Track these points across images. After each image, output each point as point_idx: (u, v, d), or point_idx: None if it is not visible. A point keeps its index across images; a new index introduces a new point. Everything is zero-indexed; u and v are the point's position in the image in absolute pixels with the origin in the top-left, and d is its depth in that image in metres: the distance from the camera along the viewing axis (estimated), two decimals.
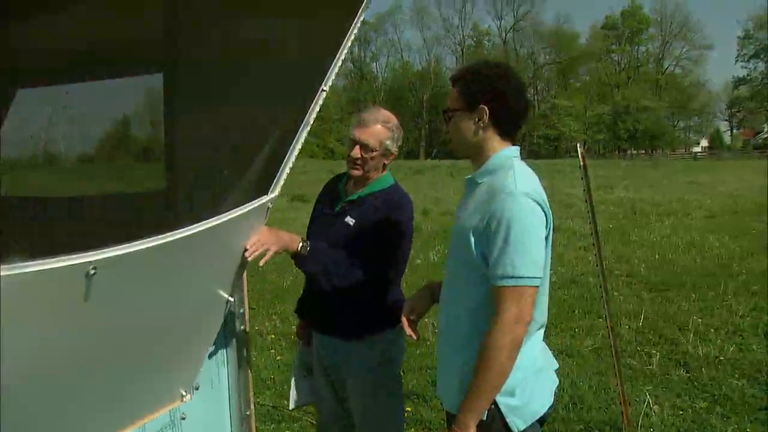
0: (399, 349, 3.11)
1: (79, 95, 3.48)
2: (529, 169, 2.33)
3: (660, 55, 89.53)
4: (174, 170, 3.27)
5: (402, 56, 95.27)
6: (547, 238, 2.25)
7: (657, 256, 11.06)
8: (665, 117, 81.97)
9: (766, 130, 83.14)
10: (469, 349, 2.22)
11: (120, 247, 1.71)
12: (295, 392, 3.33)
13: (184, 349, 2.43)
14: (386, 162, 3.04)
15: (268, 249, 2.50)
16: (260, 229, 2.47)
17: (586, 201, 4.36)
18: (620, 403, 4.57)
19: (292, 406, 3.42)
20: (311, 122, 2.40)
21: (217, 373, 2.72)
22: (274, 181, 2.34)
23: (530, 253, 2.14)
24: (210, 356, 2.63)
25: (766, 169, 29.42)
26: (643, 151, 79.19)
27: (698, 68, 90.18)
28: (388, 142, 2.97)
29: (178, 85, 3.20)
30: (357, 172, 3.00)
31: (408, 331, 2.58)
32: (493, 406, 2.20)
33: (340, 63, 2.46)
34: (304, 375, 3.30)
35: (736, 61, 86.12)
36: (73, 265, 1.59)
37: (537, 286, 2.17)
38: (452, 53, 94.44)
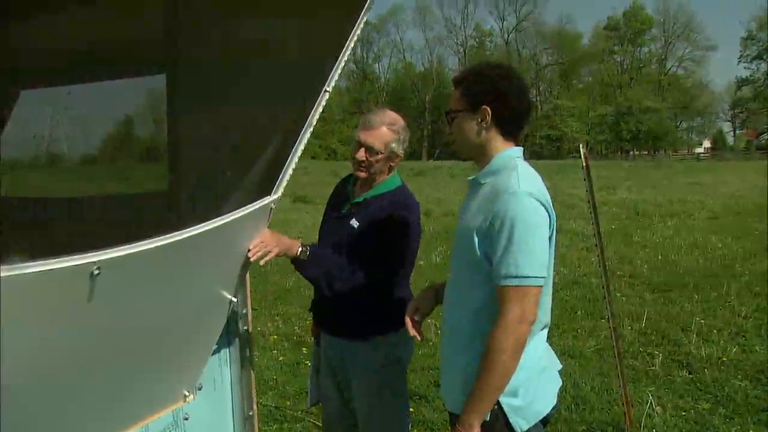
0: (406, 351, 3.10)
1: (81, 96, 3.49)
2: (533, 169, 2.34)
3: (663, 56, 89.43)
4: (177, 171, 3.28)
5: (404, 57, 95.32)
6: (550, 238, 2.25)
7: (659, 257, 11.05)
8: (668, 118, 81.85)
9: None
10: (473, 349, 2.22)
11: (124, 247, 1.72)
12: (310, 391, 3.36)
13: (187, 350, 2.43)
14: (392, 164, 3.03)
15: (269, 251, 2.51)
16: (263, 231, 2.48)
17: (588, 202, 4.36)
18: (623, 403, 4.57)
19: (308, 405, 3.48)
20: (314, 123, 2.40)
21: (220, 374, 2.72)
22: (277, 182, 2.34)
23: (534, 252, 2.14)
24: (213, 356, 2.63)
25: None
26: (646, 152, 79.10)
27: (701, 69, 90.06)
28: (393, 145, 2.95)
29: (180, 86, 3.20)
30: (362, 174, 2.99)
31: (412, 332, 2.58)
32: (496, 407, 2.20)
33: (342, 64, 2.46)
34: (315, 374, 3.31)
35: (739, 61, 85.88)
36: (77, 265, 1.59)
37: (540, 286, 2.17)
38: (454, 54, 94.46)
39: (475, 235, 2.23)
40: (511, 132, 2.36)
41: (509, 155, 2.34)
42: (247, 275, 2.63)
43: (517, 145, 2.39)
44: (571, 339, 6.61)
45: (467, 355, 2.26)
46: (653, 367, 5.78)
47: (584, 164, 4.28)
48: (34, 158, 3.76)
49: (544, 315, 2.33)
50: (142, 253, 1.77)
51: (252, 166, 2.73)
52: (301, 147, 2.38)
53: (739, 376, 5.54)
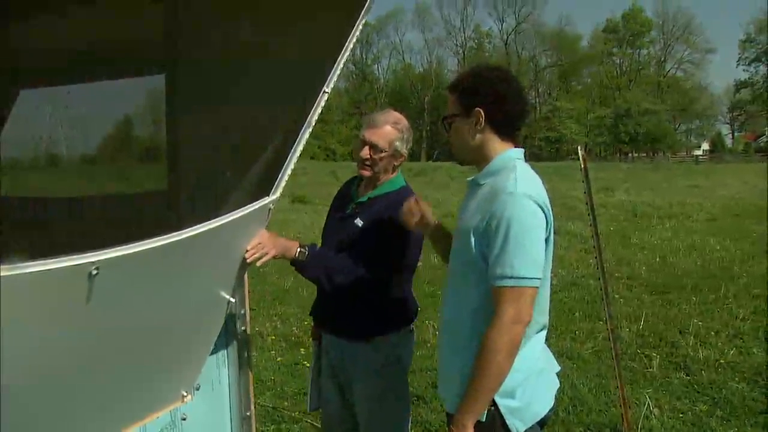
0: (407, 351, 3.10)
1: (80, 96, 3.49)
2: (532, 171, 2.34)
3: (662, 58, 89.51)
4: (176, 171, 3.28)
5: (403, 58, 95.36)
6: (547, 240, 2.26)
7: (658, 259, 11.06)
8: (666, 120, 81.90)
9: (767, 133, 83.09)
10: (470, 349, 2.22)
11: (122, 247, 1.72)
12: (309, 396, 3.35)
13: (185, 350, 2.43)
14: (396, 164, 3.04)
15: (266, 253, 2.51)
16: (261, 233, 2.48)
17: (587, 203, 4.36)
18: (620, 405, 4.57)
19: (309, 409, 3.47)
20: (313, 124, 2.40)
21: (218, 374, 2.72)
22: (276, 182, 2.35)
23: (530, 253, 2.14)
24: (211, 357, 2.63)
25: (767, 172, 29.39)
26: (644, 154, 79.13)
27: (700, 71, 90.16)
28: (397, 143, 2.97)
29: (180, 86, 3.20)
30: (366, 173, 3.01)
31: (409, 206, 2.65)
32: (492, 408, 2.20)
33: (341, 65, 2.46)
34: (316, 378, 3.30)
35: (738, 64, 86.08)
36: (75, 265, 1.59)
37: (536, 287, 2.17)
38: (454, 55, 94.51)
39: (472, 235, 2.23)
40: (507, 132, 2.37)
41: (509, 156, 2.35)
42: (246, 276, 2.63)
43: (516, 146, 2.40)
44: (569, 341, 6.61)
45: (464, 355, 2.26)
46: (651, 369, 5.78)
47: (582, 166, 4.28)
48: (33, 158, 3.76)
49: (543, 317, 2.34)
50: (141, 254, 1.77)
51: (251, 167, 2.73)
52: (300, 147, 2.39)
53: (737, 379, 5.55)
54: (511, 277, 2.12)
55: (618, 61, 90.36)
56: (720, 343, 6.48)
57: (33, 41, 3.27)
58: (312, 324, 3.37)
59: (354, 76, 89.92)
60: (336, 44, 2.46)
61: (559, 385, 2.47)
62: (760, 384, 5.40)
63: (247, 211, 2.26)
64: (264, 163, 2.67)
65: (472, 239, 2.23)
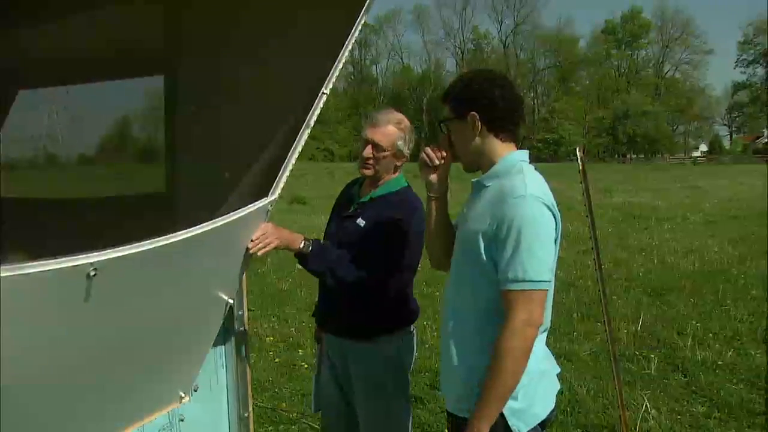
0: (407, 353, 3.11)
1: (79, 97, 3.49)
2: (538, 173, 2.34)
3: (660, 60, 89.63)
4: (175, 172, 3.28)
5: (402, 60, 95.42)
6: (556, 241, 2.26)
7: (656, 261, 11.06)
8: (665, 121, 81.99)
9: (765, 134, 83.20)
10: (475, 351, 2.23)
11: (120, 248, 1.72)
12: (313, 396, 3.35)
13: (183, 351, 2.43)
14: (398, 164, 3.05)
15: (269, 242, 2.52)
16: (264, 224, 2.49)
17: (585, 205, 4.36)
18: (618, 407, 4.56)
19: (313, 410, 3.47)
20: (311, 125, 2.40)
21: (216, 375, 2.72)
22: (274, 183, 2.35)
23: (541, 256, 2.14)
24: (209, 358, 2.63)
25: (766, 174, 29.41)
26: (643, 156, 79.22)
27: (698, 73, 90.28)
28: (399, 143, 2.99)
29: (179, 87, 3.20)
30: (368, 172, 3.02)
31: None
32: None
33: (340, 66, 2.46)
34: (319, 379, 3.30)
35: (736, 65, 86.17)
36: (73, 266, 1.59)
37: (547, 290, 2.18)
38: (452, 56, 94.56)
39: (480, 238, 2.23)
40: (505, 133, 2.37)
41: (516, 158, 2.35)
42: (244, 276, 2.63)
43: (518, 147, 2.41)
44: (567, 342, 6.61)
45: (469, 356, 2.26)
46: (649, 371, 5.78)
47: (581, 167, 4.28)
48: (32, 159, 3.75)
49: (546, 318, 2.34)
50: (139, 255, 1.77)
51: (250, 168, 2.73)
52: (299, 149, 2.39)
53: (735, 380, 5.55)
54: (522, 281, 2.12)
55: (616, 63, 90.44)
56: (718, 345, 6.48)
57: (32, 41, 3.27)
58: (315, 326, 3.36)
59: (353, 77, 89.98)
60: (335, 45, 2.46)
61: (559, 387, 2.47)
62: (758, 386, 5.40)
63: (246, 212, 2.26)
64: (263, 164, 2.67)
65: (481, 243, 2.22)
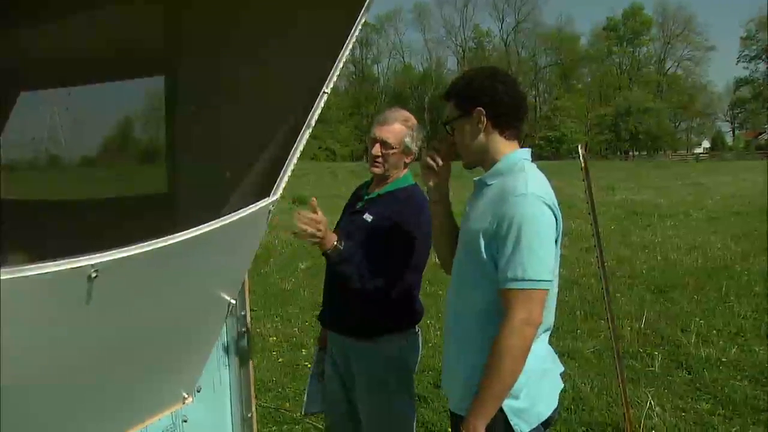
0: (412, 353, 3.10)
1: (80, 98, 3.48)
2: (540, 172, 2.34)
3: (662, 56, 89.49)
4: (176, 173, 3.27)
5: (403, 58, 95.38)
6: (556, 240, 2.25)
7: (659, 258, 11.05)
8: (667, 118, 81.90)
9: None
10: (476, 350, 2.22)
11: (121, 250, 1.71)
12: (306, 399, 3.35)
13: (186, 352, 2.42)
14: (406, 161, 3.08)
15: (316, 237, 2.69)
16: (321, 215, 2.73)
17: (587, 202, 4.35)
18: (622, 404, 4.56)
19: (303, 411, 3.46)
20: (313, 124, 2.39)
21: (219, 376, 2.71)
22: (276, 183, 2.34)
23: (541, 255, 2.14)
24: (211, 358, 2.62)
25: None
26: (645, 153, 79.13)
27: (700, 69, 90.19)
28: (407, 140, 3.02)
29: (179, 88, 3.19)
30: (377, 170, 3.04)
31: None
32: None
33: (341, 65, 2.45)
34: (319, 380, 3.30)
35: (738, 61, 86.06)
36: (74, 268, 1.59)
37: (547, 289, 2.17)
38: (453, 54, 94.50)
39: (481, 237, 2.22)
40: (510, 130, 2.36)
41: (518, 156, 2.35)
42: (246, 277, 2.62)
43: (520, 145, 2.40)
44: (571, 340, 6.60)
45: (471, 355, 2.26)
46: (652, 368, 5.78)
47: (583, 165, 4.27)
48: (33, 160, 3.75)
49: (549, 318, 2.33)
50: (140, 256, 1.76)
51: (251, 168, 2.72)
52: (300, 148, 2.38)
53: (739, 377, 5.54)
54: (522, 280, 2.12)
55: (618, 60, 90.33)
56: (722, 342, 6.47)
57: (32, 42, 3.27)
58: (320, 329, 3.36)
59: (354, 76, 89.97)
60: (335, 44, 2.45)
61: (563, 386, 2.46)
62: (763, 382, 5.39)
63: (247, 212, 2.25)
64: (264, 164, 2.66)
65: (482, 240, 2.22)
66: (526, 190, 2.18)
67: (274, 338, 6.92)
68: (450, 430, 2.50)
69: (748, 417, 4.75)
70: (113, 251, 1.68)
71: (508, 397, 2.19)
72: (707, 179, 30.83)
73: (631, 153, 79.00)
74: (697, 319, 7.21)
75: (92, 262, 1.62)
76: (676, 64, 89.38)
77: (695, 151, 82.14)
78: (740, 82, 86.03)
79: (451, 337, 2.43)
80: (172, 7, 3.06)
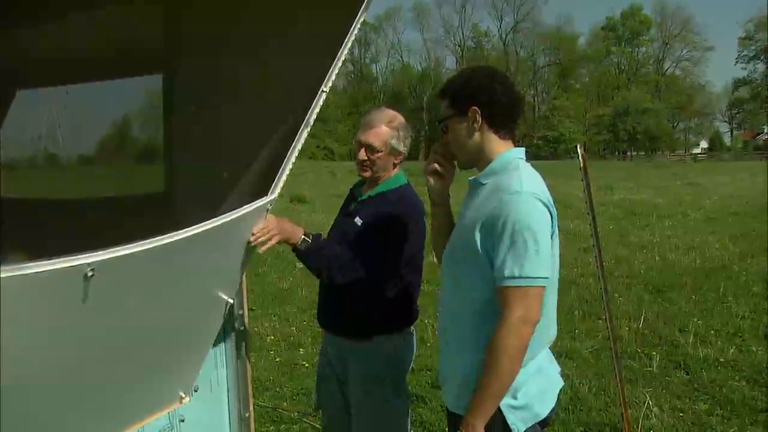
0: (409, 350, 3.10)
1: (78, 97, 3.47)
2: (534, 170, 2.33)
3: (660, 56, 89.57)
4: (173, 172, 3.27)
5: (401, 58, 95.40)
6: (552, 237, 2.24)
7: (657, 258, 11.05)
8: (665, 118, 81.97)
9: (766, 131, 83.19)
10: (473, 349, 2.21)
11: (118, 248, 1.71)
12: (315, 393, 3.35)
13: (184, 351, 2.42)
14: (396, 162, 3.03)
15: (271, 238, 2.51)
16: (267, 217, 2.47)
17: (586, 202, 4.35)
18: (620, 405, 4.56)
19: (314, 407, 3.48)
20: (311, 123, 2.39)
21: (216, 375, 2.71)
22: (274, 182, 2.34)
23: (537, 252, 2.13)
24: (209, 358, 2.62)
25: (767, 171, 29.41)
26: (643, 153, 79.21)
27: (698, 69, 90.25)
28: (393, 142, 2.96)
29: (177, 86, 3.19)
30: (365, 174, 3.02)
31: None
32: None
33: (340, 64, 2.45)
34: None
35: (737, 62, 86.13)
36: (71, 266, 1.58)
37: (543, 287, 2.16)
38: (452, 54, 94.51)
39: (476, 235, 2.22)
40: (505, 129, 2.36)
41: (512, 155, 2.34)
42: (244, 276, 2.62)
43: (515, 144, 2.39)
44: (569, 340, 6.60)
45: (468, 355, 2.25)
46: (650, 368, 5.77)
47: (582, 165, 4.27)
48: (30, 158, 3.74)
49: (552, 329, 2.35)
50: (137, 255, 1.76)
51: (249, 167, 2.72)
52: (299, 147, 2.37)
53: (737, 377, 5.54)
54: (518, 277, 2.11)
55: (616, 60, 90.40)
56: (720, 342, 6.47)
57: (31, 41, 3.26)
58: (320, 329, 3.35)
59: (352, 75, 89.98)
60: (334, 43, 2.44)
61: (562, 385, 2.46)
62: (761, 382, 5.39)
63: (245, 211, 2.25)
64: (262, 162, 2.66)
65: (477, 240, 2.21)
66: (521, 188, 2.17)
67: (272, 337, 6.91)
68: (448, 429, 2.49)
69: (746, 417, 4.75)
70: (110, 250, 1.68)
71: (506, 395, 2.19)
72: (705, 179, 30.84)
73: (629, 153, 79.05)
74: (695, 320, 7.21)
75: (89, 260, 1.62)
76: (674, 64, 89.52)
77: (693, 152, 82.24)
78: (738, 83, 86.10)
79: (446, 337, 2.42)
80: (172, 7, 3.06)
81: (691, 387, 5.38)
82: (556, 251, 2.31)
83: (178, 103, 3.20)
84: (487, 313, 2.20)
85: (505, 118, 2.36)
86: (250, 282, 3.20)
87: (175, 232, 1.89)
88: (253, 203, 2.28)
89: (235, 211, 2.20)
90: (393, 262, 2.93)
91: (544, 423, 2.33)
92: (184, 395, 2.48)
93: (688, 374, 5.67)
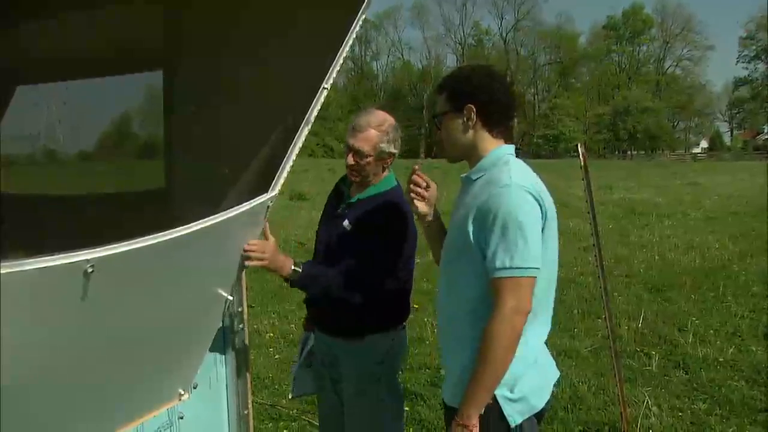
0: (399, 350, 3.09)
1: (78, 94, 3.47)
2: (525, 165, 2.36)
3: (661, 56, 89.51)
4: (174, 168, 3.27)
5: (402, 55, 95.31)
6: (544, 229, 2.25)
7: (657, 257, 11.05)
8: (665, 118, 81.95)
9: (766, 131, 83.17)
10: (470, 343, 2.23)
11: (118, 245, 1.70)
12: (294, 382, 3.33)
13: (183, 348, 2.42)
14: (385, 165, 2.99)
15: (261, 260, 2.53)
16: (269, 241, 2.55)
17: (586, 201, 4.35)
18: (619, 404, 4.56)
19: (291, 396, 3.49)
20: (312, 120, 2.39)
21: (216, 372, 2.71)
22: (275, 179, 2.33)
23: (527, 243, 2.15)
24: (208, 355, 2.62)
25: (766, 170, 29.41)
26: (643, 152, 79.19)
27: (699, 69, 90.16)
28: (382, 145, 2.91)
29: (178, 83, 3.19)
30: (354, 179, 3.00)
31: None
32: (490, 399, 2.20)
33: (341, 61, 2.45)
34: (308, 365, 3.27)
35: (737, 61, 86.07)
36: (71, 263, 1.58)
37: (534, 277, 2.18)
38: (453, 52, 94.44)
39: (468, 229, 2.25)
40: (498, 128, 2.39)
41: (502, 152, 2.38)
42: (244, 273, 2.62)
43: (507, 142, 2.42)
44: (568, 339, 6.60)
45: (465, 348, 2.27)
46: (650, 368, 5.78)
47: (582, 164, 4.26)
48: (30, 155, 3.74)
49: (546, 323, 2.35)
50: (137, 251, 1.76)
51: (249, 164, 2.72)
52: (299, 144, 2.37)
53: (736, 377, 5.55)
54: (509, 268, 2.14)
55: (617, 59, 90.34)
56: (719, 342, 6.48)
57: (31, 39, 3.25)
58: (306, 316, 3.34)
59: (353, 73, 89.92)
60: (335, 40, 2.44)
61: (558, 377, 2.47)
62: (760, 382, 5.40)
63: (246, 208, 2.25)
64: (263, 160, 2.66)
65: (470, 232, 2.24)
66: (510, 181, 2.21)
67: (271, 335, 6.91)
68: (445, 424, 2.50)
69: (744, 417, 4.76)
70: (110, 246, 1.68)
71: (502, 386, 2.21)
72: (705, 179, 30.82)
73: (629, 152, 79.03)
74: (695, 319, 7.21)
75: (88, 257, 1.62)
76: (675, 63, 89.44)
77: (693, 151, 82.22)
78: (739, 82, 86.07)
79: (445, 337, 2.46)
80: (172, 7, 3.06)
81: (690, 386, 5.38)
82: (554, 245, 2.33)
83: (179, 102, 3.20)
84: (482, 311, 2.22)
85: (501, 117, 2.40)
86: (250, 279, 3.20)
87: (175, 229, 1.89)
88: (253, 200, 2.28)
89: (235, 207, 2.19)
90: (384, 263, 2.92)
91: (540, 415, 2.35)
92: (183, 392, 2.48)
93: (687, 374, 5.67)
